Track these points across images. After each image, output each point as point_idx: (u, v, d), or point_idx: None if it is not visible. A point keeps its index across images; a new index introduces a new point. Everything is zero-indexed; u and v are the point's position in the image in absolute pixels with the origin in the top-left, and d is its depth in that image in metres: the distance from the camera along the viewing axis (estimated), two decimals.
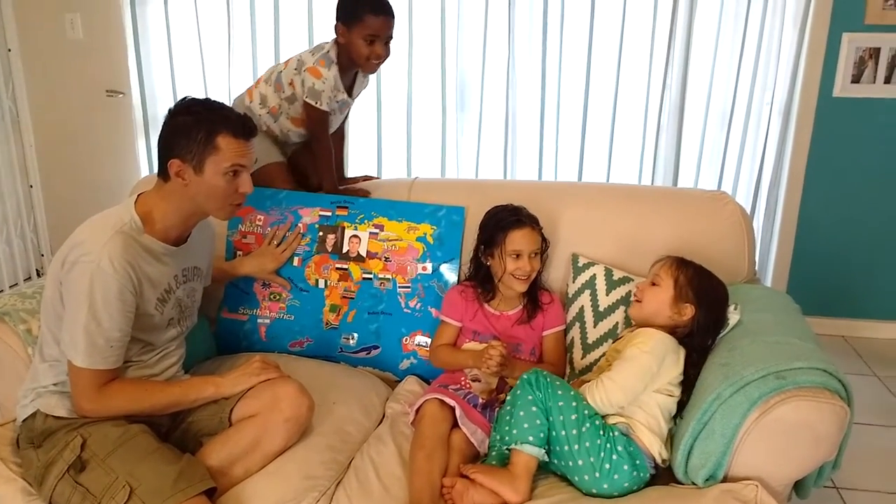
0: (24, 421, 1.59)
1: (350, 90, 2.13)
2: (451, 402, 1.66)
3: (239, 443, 1.57)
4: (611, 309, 1.89)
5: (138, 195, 1.61)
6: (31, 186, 3.74)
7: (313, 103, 2.05)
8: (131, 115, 3.44)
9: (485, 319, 1.89)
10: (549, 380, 1.57)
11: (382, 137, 3.28)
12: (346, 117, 2.29)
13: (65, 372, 1.55)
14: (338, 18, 2.01)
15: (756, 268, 3.18)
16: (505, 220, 1.85)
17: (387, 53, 2.02)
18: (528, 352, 1.89)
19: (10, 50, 3.54)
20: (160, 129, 1.59)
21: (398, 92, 3.21)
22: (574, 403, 1.55)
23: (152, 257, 1.57)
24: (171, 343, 1.70)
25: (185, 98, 1.60)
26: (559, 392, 1.56)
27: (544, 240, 1.89)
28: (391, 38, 2.02)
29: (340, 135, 2.34)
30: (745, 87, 3.01)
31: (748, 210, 3.14)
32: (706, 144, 3.12)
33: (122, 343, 1.53)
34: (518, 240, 1.82)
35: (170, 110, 1.58)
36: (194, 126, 1.54)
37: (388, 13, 1.99)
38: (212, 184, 1.55)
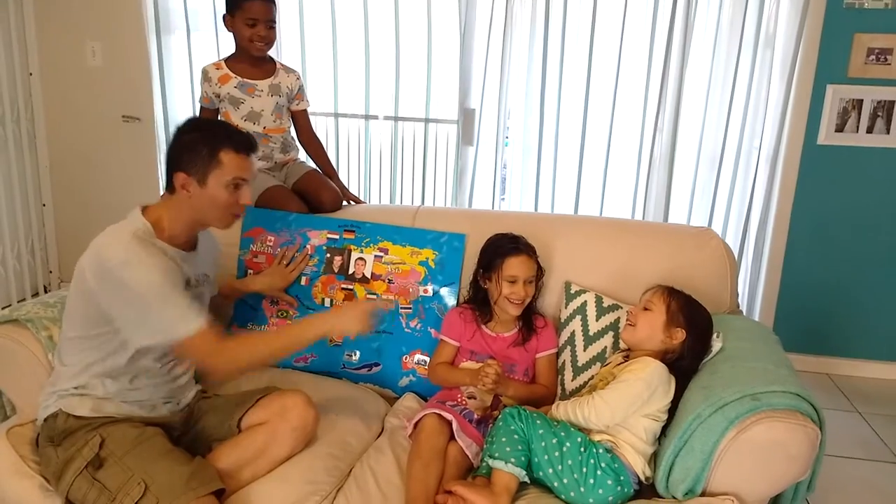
0: (45, 420, 1.68)
1: (257, 76, 2.32)
2: (449, 417, 1.76)
3: (248, 448, 1.66)
4: (600, 334, 2.00)
5: (143, 207, 1.72)
6: (44, 205, 3.86)
7: None
8: (150, 138, 3.58)
9: (482, 340, 1.99)
10: (528, 412, 1.70)
11: (396, 168, 3.43)
12: (300, 121, 2.47)
13: (86, 375, 1.65)
14: (225, 12, 2.27)
15: (739, 301, 3.32)
16: (503, 246, 1.97)
17: (270, 36, 2.26)
18: (521, 373, 1.99)
19: (31, 74, 3.69)
20: (168, 146, 1.72)
21: (415, 127, 3.37)
22: (552, 429, 1.67)
23: (169, 259, 1.67)
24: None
25: (192, 117, 1.74)
26: (538, 422, 1.68)
27: (540, 268, 2.00)
28: (273, 21, 2.26)
29: (310, 138, 2.51)
30: (734, 133, 3.15)
31: (737, 249, 3.28)
32: (697, 186, 3.26)
33: (196, 302, 1.65)
34: (515, 266, 1.93)
35: (177, 128, 1.71)
36: (199, 142, 1.66)
37: None
38: (214, 195, 1.67)
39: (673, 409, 1.72)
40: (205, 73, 2.33)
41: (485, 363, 1.86)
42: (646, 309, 1.82)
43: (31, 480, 1.66)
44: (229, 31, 2.30)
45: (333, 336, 1.70)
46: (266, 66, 2.36)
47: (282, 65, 2.40)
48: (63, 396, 1.67)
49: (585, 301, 2.05)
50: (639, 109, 3.19)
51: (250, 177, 1.72)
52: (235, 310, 2.20)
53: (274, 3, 2.27)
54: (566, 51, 3.16)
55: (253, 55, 2.29)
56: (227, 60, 2.34)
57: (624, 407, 1.66)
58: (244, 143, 1.70)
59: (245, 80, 2.30)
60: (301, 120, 2.48)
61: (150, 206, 1.72)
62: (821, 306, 3.30)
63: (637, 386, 1.66)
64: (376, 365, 2.11)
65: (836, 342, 3.34)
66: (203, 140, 1.66)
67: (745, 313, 3.36)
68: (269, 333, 1.75)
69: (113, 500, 1.53)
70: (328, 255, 2.17)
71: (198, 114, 2.42)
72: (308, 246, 2.18)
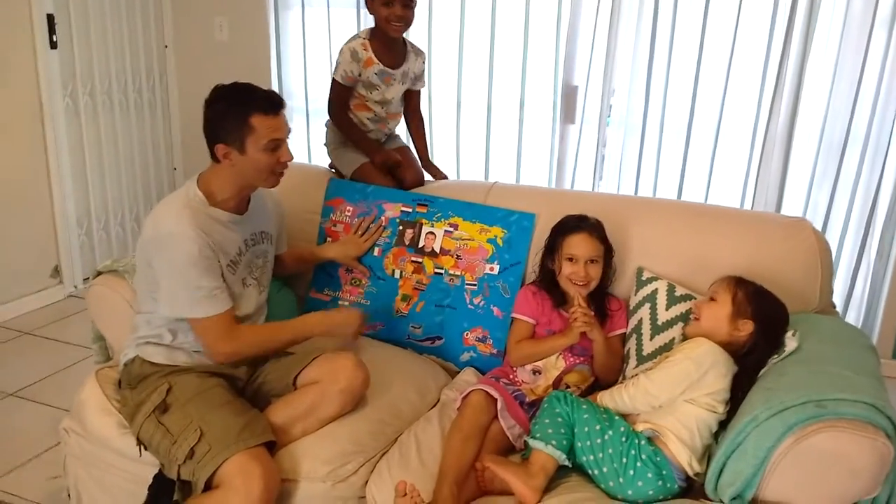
0: (125, 365, 1.84)
1: (394, 63, 2.29)
2: (496, 395, 1.75)
3: (299, 406, 1.74)
4: (669, 324, 1.90)
5: (199, 175, 1.82)
6: (175, 169, 4.18)
7: (333, 76, 2.28)
8: None
9: (559, 320, 1.95)
10: (574, 397, 1.68)
11: (491, 143, 3.42)
12: (411, 99, 2.46)
13: (156, 326, 1.78)
14: None
15: (859, 303, 3.04)
16: (566, 225, 1.92)
17: (407, 16, 2.20)
18: (590, 355, 1.93)
19: (166, 46, 3.98)
20: (203, 118, 1.76)
21: (510, 102, 3.33)
22: (597, 415, 1.63)
23: (220, 225, 1.78)
24: (253, 317, 1.90)
25: (217, 86, 1.76)
26: (583, 406, 1.65)
27: (608, 249, 1.93)
28: (411, 1, 2.19)
29: (415, 115, 2.52)
30: (862, 117, 2.87)
31: (858, 245, 3.01)
32: (816, 175, 3.00)
33: (223, 290, 1.75)
34: (574, 244, 1.88)
35: (206, 100, 1.76)
36: (228, 112, 1.72)
37: None
38: (255, 160, 1.73)
39: (734, 408, 1.62)
40: (354, 52, 2.24)
41: (572, 309, 1.84)
42: (711, 300, 1.73)
43: (112, 417, 1.83)
44: (371, 13, 2.24)
45: (328, 335, 1.88)
46: (400, 50, 2.32)
47: (412, 46, 2.37)
48: (140, 344, 1.82)
49: (656, 289, 1.96)
50: (754, 89, 2.97)
51: (284, 135, 1.76)
52: (314, 275, 2.30)
53: None
54: (677, 24, 2.99)
55: (389, 36, 2.25)
56: (370, 41, 2.26)
57: (670, 385, 1.60)
58: (272, 104, 1.73)
59: (385, 67, 2.28)
60: (414, 99, 2.50)
61: (202, 175, 1.82)
62: None
63: (685, 364, 1.60)
64: (439, 338, 2.13)
65: None
66: (231, 109, 1.71)
67: (863, 318, 3.10)
68: (275, 326, 1.87)
69: (174, 444, 1.65)
70: (400, 227, 2.20)
71: (332, 91, 2.33)
72: (382, 217, 2.23)
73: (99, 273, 2.10)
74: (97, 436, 1.84)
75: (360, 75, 2.28)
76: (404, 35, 2.32)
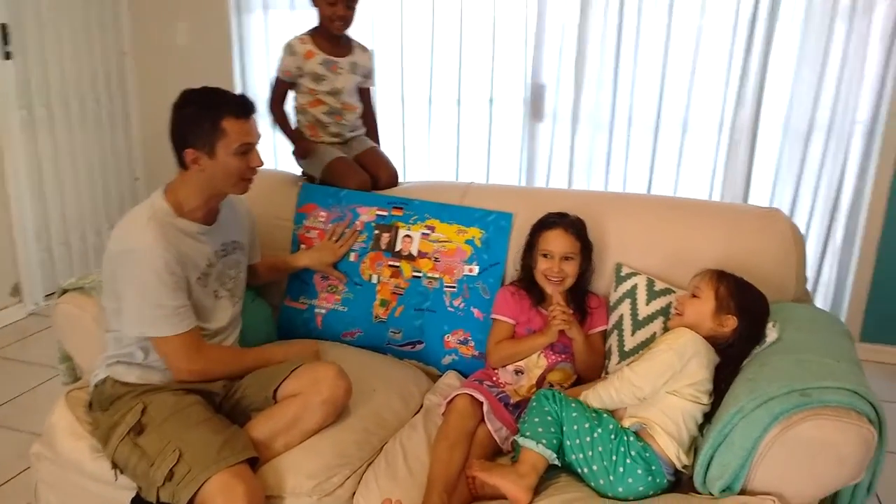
0: (95, 386, 1.77)
1: (338, 53, 2.35)
2: (481, 398, 1.73)
3: (281, 419, 1.69)
4: (650, 318, 1.91)
5: (165, 185, 1.77)
6: (137, 179, 4.08)
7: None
8: None
9: (538, 319, 1.94)
10: (563, 395, 1.66)
11: (461, 142, 3.41)
12: (363, 98, 2.47)
13: (126, 344, 1.72)
14: None
15: (825, 289, 3.10)
16: (544, 221, 1.92)
17: (348, 16, 2.28)
18: (572, 353, 1.92)
19: (125, 53, 3.88)
20: (169, 123, 1.71)
21: (479, 98, 3.33)
22: (586, 413, 1.62)
23: (189, 237, 1.73)
24: (227, 329, 1.85)
25: (185, 90, 1.72)
26: (572, 405, 1.63)
27: (585, 245, 1.92)
28: (353, 1, 2.27)
29: (370, 116, 2.53)
30: (825, 106, 2.92)
31: (824, 233, 3.06)
32: (782, 164, 3.05)
33: (188, 308, 1.70)
34: (549, 240, 1.88)
35: (174, 104, 1.71)
36: (199, 115, 1.67)
37: None
38: (225, 164, 1.69)
39: (718, 400, 1.62)
40: (290, 47, 2.32)
41: (551, 308, 1.83)
42: (693, 296, 1.73)
43: (84, 441, 1.76)
44: (315, 6, 2.30)
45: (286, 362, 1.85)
46: (344, 44, 2.38)
47: (357, 42, 2.42)
48: (110, 364, 1.75)
49: (636, 284, 1.96)
50: (720, 81, 3.02)
51: (255, 140, 1.73)
52: (289, 284, 2.25)
53: None
54: (642, 20, 3.01)
55: (332, 33, 2.31)
56: (311, 36, 2.33)
57: (654, 376, 1.60)
58: (243, 107, 1.70)
59: (329, 56, 2.32)
60: (366, 97, 2.51)
61: (169, 185, 1.76)
62: None
63: (667, 355, 1.60)
64: (419, 343, 2.11)
65: None
66: (202, 112, 1.67)
67: (831, 303, 3.16)
68: (242, 351, 1.86)
69: (152, 465, 1.59)
70: (376, 231, 2.17)
71: (272, 87, 2.41)
72: (357, 222, 2.19)
73: (64, 291, 2.03)
74: (69, 460, 1.77)
75: (300, 68, 2.32)
76: (347, 33, 2.38)
